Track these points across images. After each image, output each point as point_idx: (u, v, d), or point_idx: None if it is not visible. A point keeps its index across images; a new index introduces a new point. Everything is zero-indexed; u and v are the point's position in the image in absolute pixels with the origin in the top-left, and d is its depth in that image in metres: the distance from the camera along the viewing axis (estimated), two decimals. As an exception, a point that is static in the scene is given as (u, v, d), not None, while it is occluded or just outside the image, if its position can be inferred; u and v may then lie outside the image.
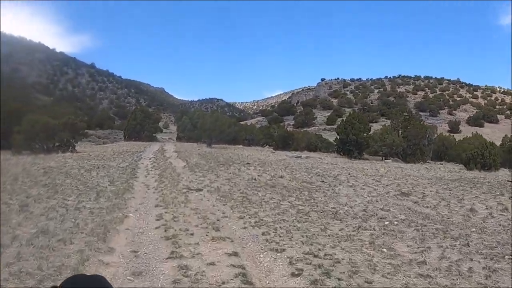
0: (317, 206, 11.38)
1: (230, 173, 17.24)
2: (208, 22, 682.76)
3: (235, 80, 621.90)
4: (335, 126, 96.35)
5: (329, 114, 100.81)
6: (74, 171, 15.14)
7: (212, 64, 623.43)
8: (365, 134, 36.68)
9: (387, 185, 16.12)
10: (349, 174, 19.27)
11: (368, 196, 13.52)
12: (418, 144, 37.84)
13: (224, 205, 10.90)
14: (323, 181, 16.26)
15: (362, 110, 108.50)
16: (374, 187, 15.60)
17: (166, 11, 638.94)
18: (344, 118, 37.94)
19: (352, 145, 36.38)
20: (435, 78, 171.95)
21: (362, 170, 22.24)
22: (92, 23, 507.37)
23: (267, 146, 55.48)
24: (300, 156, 28.23)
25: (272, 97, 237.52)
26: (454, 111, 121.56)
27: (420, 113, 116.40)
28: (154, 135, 54.06)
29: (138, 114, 49.48)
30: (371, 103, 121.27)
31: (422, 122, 44.02)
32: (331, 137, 66.35)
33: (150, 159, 23.27)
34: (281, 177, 16.39)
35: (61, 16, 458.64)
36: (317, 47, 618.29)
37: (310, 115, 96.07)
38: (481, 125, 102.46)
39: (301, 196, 12.84)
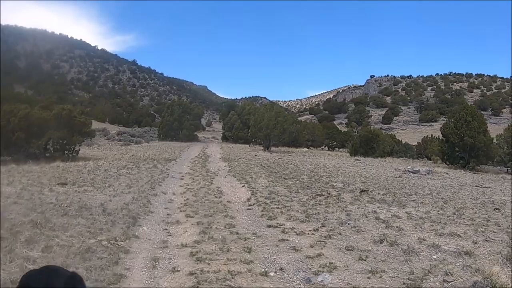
0: None
1: (373, 237, 6.41)
2: (252, 21, 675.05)
3: (277, 78, 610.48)
4: (392, 125, 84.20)
5: (383, 112, 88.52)
6: None
7: (255, 62, 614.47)
8: (484, 137, 24.88)
9: None
10: None
11: None
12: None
13: None
14: None
15: (420, 108, 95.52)
16: None
17: (210, 11, 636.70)
18: (457, 114, 26.11)
19: (464, 152, 24.86)
20: (488, 75, 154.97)
21: None
22: (137, 23, 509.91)
23: (327, 147, 44.37)
24: (419, 171, 17.10)
25: (315, 95, 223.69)
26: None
27: (481, 112, 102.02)
28: (195, 133, 43.75)
29: (176, 108, 39.23)
30: (427, 100, 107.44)
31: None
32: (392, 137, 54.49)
33: (182, 177, 12.89)
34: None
35: (106, 16, 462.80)
36: (362, 46, 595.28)
37: (364, 113, 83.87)
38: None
39: None
